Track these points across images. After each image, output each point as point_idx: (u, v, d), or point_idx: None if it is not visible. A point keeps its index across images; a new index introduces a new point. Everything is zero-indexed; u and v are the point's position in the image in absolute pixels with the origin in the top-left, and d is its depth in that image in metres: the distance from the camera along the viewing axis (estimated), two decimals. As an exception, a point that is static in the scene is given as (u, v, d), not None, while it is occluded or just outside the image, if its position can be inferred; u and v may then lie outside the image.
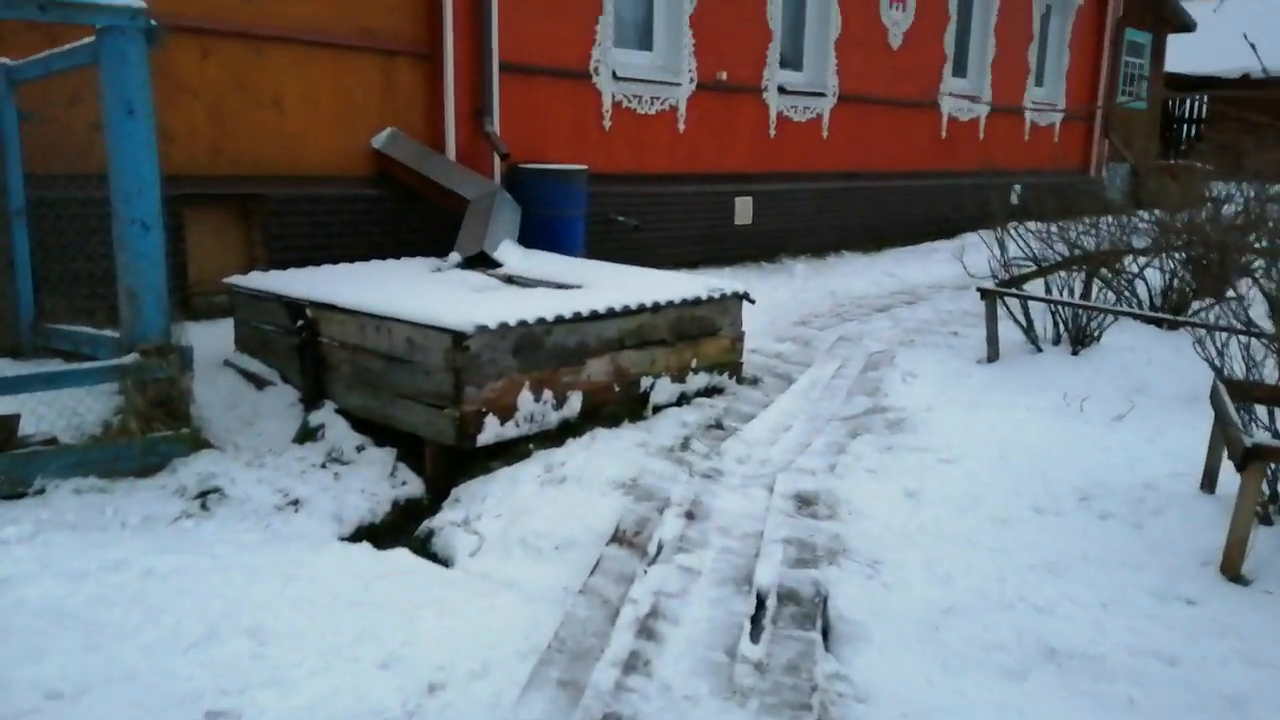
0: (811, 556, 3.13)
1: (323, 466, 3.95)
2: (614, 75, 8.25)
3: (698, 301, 4.92)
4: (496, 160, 7.39)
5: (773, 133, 10.05)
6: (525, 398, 4.11)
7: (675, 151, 9.02)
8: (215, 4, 6.00)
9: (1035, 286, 6.27)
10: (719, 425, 4.58)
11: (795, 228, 10.49)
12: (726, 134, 9.51)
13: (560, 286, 4.94)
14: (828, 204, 10.94)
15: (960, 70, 13.04)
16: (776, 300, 7.90)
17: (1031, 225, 7.08)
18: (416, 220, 7.00)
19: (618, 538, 3.24)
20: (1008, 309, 5.82)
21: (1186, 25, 18.02)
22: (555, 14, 7.76)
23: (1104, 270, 6.60)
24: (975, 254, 11.48)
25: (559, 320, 4.20)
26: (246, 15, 6.15)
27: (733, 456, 4.19)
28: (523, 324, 4.04)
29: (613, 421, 4.49)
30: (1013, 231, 6.74)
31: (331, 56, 6.67)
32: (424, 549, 3.49)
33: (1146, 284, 6.57)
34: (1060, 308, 5.95)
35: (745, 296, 5.23)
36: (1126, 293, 6.47)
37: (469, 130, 7.28)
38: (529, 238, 6.80)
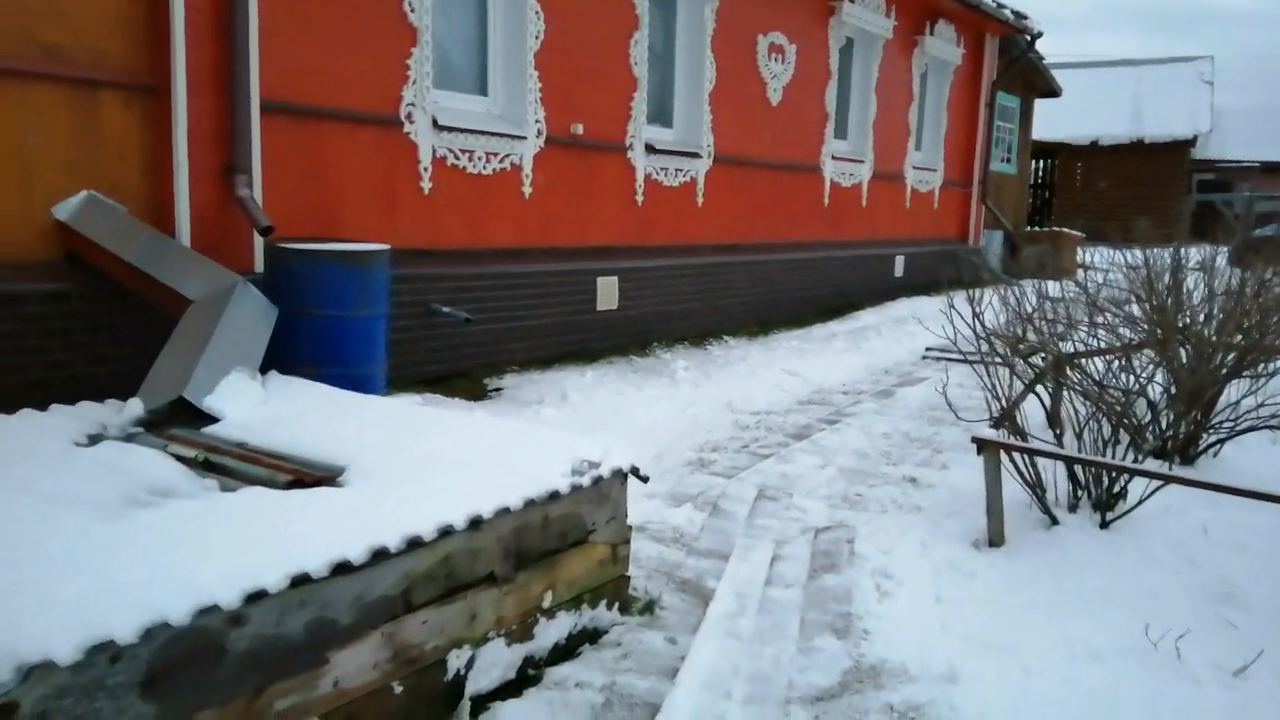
0: None
1: None
2: (435, 124, 6.16)
3: (554, 497, 2.82)
4: (257, 238, 5.15)
5: (640, 199, 8.17)
6: (178, 777, 1.88)
7: (521, 221, 6.98)
8: None
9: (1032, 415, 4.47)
10: (598, 751, 2.45)
11: (669, 310, 8.60)
12: (585, 200, 7.55)
13: (299, 478, 2.75)
14: (705, 282, 9.13)
15: (841, 132, 11.66)
16: (660, 418, 5.89)
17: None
18: (123, 327, 4.66)
19: None
20: (1014, 464, 3.96)
21: (1053, 91, 17.51)
22: (348, 39, 5.63)
23: (1074, 377, 4.88)
24: (875, 340, 9.94)
25: (258, 598, 2.01)
26: None
27: None
28: (160, 629, 1.83)
29: (391, 761, 2.31)
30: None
31: (-12, 84, 4.34)
32: None
33: (1149, 400, 4.90)
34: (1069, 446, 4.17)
35: (634, 473, 3.17)
36: (1116, 410, 4.74)
37: (213, 194, 5.02)
38: (299, 351, 4.58)
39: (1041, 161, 26.48)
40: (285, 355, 4.49)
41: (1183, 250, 6.26)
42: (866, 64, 11.83)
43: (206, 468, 2.86)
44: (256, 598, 2.00)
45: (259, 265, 5.15)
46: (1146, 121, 25.74)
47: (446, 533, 2.45)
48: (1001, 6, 13.64)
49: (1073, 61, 24.59)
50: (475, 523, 2.53)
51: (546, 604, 2.84)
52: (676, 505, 4.30)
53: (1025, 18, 14.43)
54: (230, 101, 5.04)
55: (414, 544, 2.36)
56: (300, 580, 2.08)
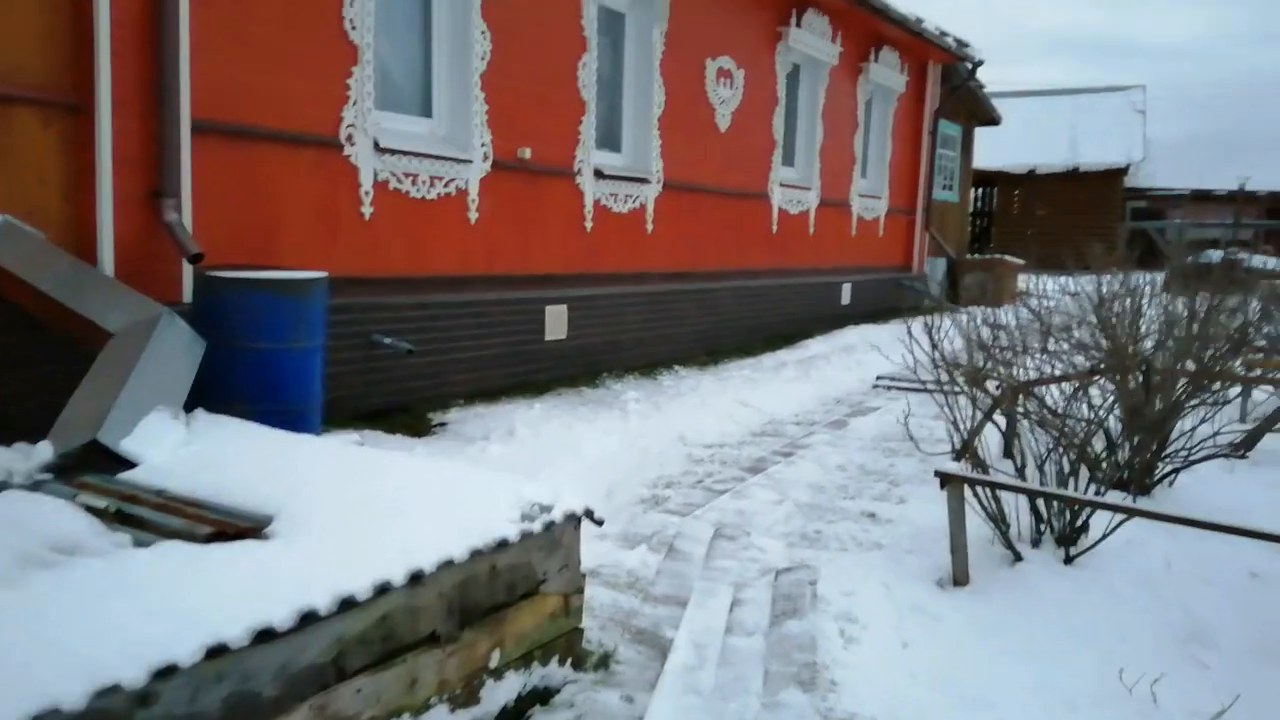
0: None
1: None
2: (377, 146, 5.95)
3: (502, 546, 2.62)
4: (186, 266, 4.88)
5: (589, 225, 8.03)
6: None
7: (466, 248, 6.79)
8: None
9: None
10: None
11: (619, 340, 8.45)
12: (533, 226, 7.38)
13: (221, 530, 2.52)
14: (655, 310, 9.00)
15: (789, 158, 11.66)
16: (610, 451, 5.71)
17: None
18: (41, 363, 4.36)
19: None
20: (977, 497, 3.86)
21: (993, 119, 17.82)
22: (286, 57, 5.41)
23: (1031, 406, 4.81)
24: (825, 368, 9.88)
25: (168, 674, 1.79)
26: None
27: None
28: (50, 716, 1.61)
29: None
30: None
31: (-115, 99, 4.06)
32: None
33: (1106, 430, 4.85)
34: (1032, 478, 4.09)
35: (588, 516, 2.98)
36: (1076, 443, 4.66)
37: (139, 219, 4.75)
38: (229, 387, 4.34)
39: (980, 189, 26.97)
40: (214, 391, 4.24)
41: (1132, 277, 6.29)
42: (813, 90, 11.88)
43: (119, 519, 2.61)
44: (166, 673, 1.77)
45: (188, 295, 4.88)
46: (1082, 150, 26.38)
47: (384, 590, 2.24)
48: (944, 34, 13.83)
49: (1010, 90, 25.12)
50: (416, 578, 2.33)
51: (494, 664, 2.64)
52: (630, 547, 4.12)
53: (967, 45, 14.66)
54: (159, 121, 4.79)
55: (347, 604, 2.15)
56: (217, 651, 1.86)
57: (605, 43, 8.17)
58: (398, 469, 3.11)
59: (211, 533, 2.49)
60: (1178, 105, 28.81)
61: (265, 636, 1.96)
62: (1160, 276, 8.18)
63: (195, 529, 2.52)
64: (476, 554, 2.51)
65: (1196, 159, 27.16)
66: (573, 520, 2.92)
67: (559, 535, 2.87)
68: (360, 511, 2.64)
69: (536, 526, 2.74)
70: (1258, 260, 15.40)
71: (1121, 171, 26.36)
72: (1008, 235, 26.51)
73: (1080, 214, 26.29)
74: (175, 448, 3.21)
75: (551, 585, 2.86)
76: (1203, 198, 26.91)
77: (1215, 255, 14.92)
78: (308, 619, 2.05)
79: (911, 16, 12.50)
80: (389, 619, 2.29)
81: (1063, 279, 7.78)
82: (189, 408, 3.73)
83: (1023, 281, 17.29)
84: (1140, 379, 5.07)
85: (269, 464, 3.07)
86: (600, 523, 3.04)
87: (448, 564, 2.42)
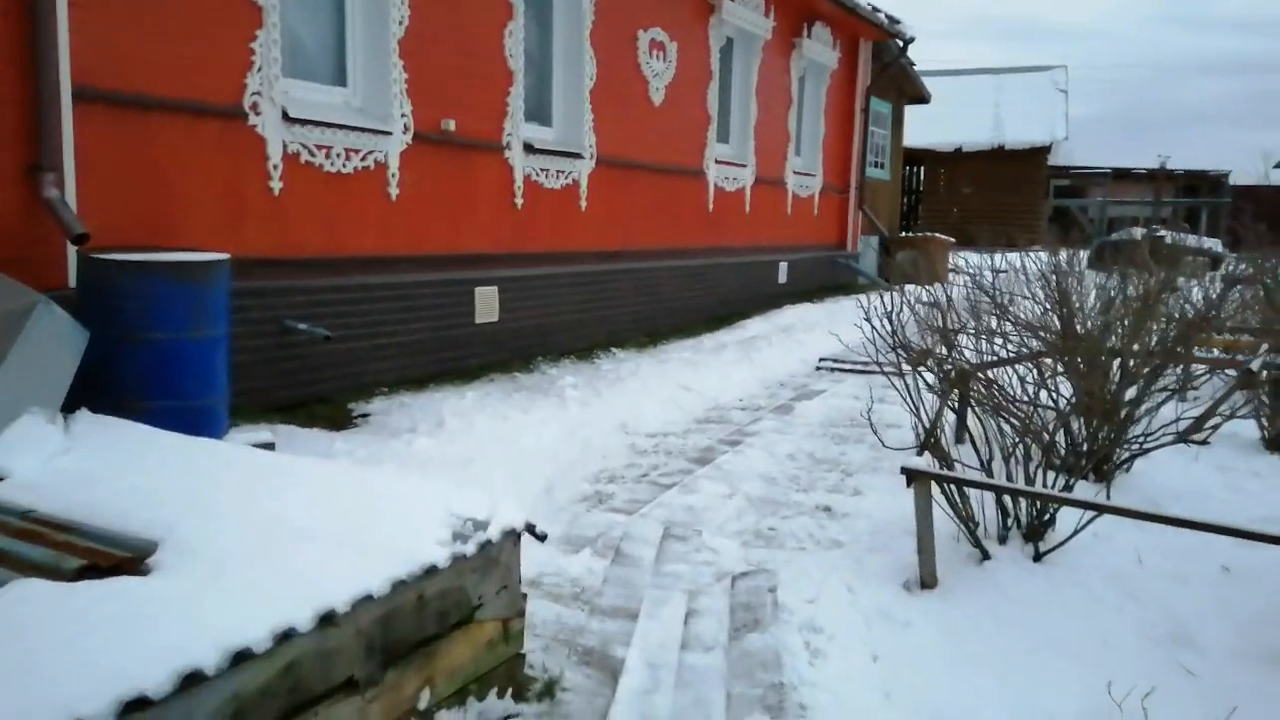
0: None
1: None
2: (285, 116, 5.46)
3: (431, 573, 2.27)
4: (70, 248, 4.38)
5: (519, 202, 7.62)
6: None
7: (387, 226, 6.34)
8: None
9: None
10: None
11: (554, 322, 8.08)
12: (460, 203, 6.96)
13: (94, 561, 2.12)
14: (590, 290, 8.65)
15: (724, 135, 11.38)
16: (549, 442, 5.37)
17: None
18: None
19: None
20: (944, 490, 3.62)
21: (922, 97, 17.79)
22: (180, 17, 4.89)
23: (983, 391, 4.60)
24: (766, 350, 9.66)
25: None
26: None
27: None
28: None
29: None
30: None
31: None
32: None
33: (1066, 422, 4.66)
34: (993, 473, 3.88)
35: (529, 530, 2.65)
36: (1045, 437, 4.46)
37: (15, 197, 4.24)
38: (121, 382, 3.90)
39: (908, 167, 27.11)
40: (105, 388, 3.80)
41: (1079, 256, 6.14)
42: (746, 65, 11.60)
43: (-33, 553, 2.19)
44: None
45: (73, 280, 4.38)
46: (1007, 129, 26.67)
47: (286, 637, 1.88)
48: (876, 10, 13.66)
49: (937, 69, 25.22)
50: (327, 618, 1.97)
51: (423, 705, 2.29)
52: (574, 551, 3.79)
53: (898, 22, 14.52)
54: (34, 88, 4.26)
55: (242, 657, 1.78)
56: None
57: (532, 10, 7.74)
58: (310, 480, 2.72)
59: (82, 566, 2.09)
60: (1094, 85, 29.32)
61: (136, 706, 1.59)
62: (1084, 253, 8.09)
63: (62, 561, 2.12)
64: (400, 585, 2.16)
65: (1114, 138, 27.74)
66: (512, 537, 2.58)
67: (496, 554, 2.53)
68: (264, 535, 2.27)
69: (470, 548, 2.39)
70: (1181, 237, 15.68)
71: (1045, 150, 26.73)
72: (934, 213, 26.74)
73: (1005, 191, 26.64)
74: (49, 458, 2.77)
75: (488, 610, 2.52)
76: (1123, 176, 27.49)
77: (1137, 232, 15.13)
78: (193, 679, 1.68)
79: (845, -9, 12.30)
80: (296, 667, 1.93)
81: (1011, 256, 7.65)
82: (70, 407, 3.29)
83: (961, 259, 17.35)
84: (1101, 363, 4.90)
85: (160, 476, 2.66)
86: (543, 537, 2.71)
87: (366, 599, 2.06)
